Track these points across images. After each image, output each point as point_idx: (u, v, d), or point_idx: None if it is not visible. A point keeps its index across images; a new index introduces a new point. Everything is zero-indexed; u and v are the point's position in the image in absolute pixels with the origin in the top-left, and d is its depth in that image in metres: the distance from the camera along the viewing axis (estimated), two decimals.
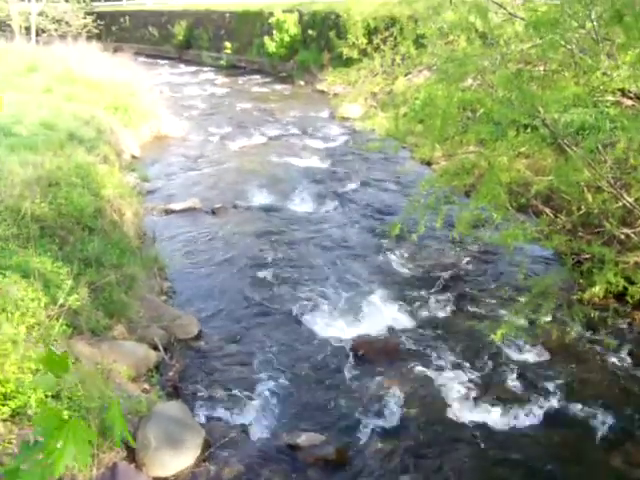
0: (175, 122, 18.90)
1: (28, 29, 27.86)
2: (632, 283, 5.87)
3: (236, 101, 23.99)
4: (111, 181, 9.78)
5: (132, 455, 4.97)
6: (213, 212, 11.73)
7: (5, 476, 1.64)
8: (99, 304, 6.82)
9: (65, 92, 15.24)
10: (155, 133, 17.90)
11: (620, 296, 7.51)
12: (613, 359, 6.99)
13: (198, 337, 7.48)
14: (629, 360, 7.01)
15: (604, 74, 5.64)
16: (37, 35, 28.46)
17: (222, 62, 34.68)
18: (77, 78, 17.27)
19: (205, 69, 34.37)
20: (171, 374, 6.60)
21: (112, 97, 16.85)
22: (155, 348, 6.84)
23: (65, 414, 1.74)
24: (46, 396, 4.47)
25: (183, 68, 35.26)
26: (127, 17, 46.27)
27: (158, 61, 38.26)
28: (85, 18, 31.60)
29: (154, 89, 20.90)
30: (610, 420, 6.01)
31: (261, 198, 12.50)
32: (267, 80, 29.15)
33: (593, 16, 5.66)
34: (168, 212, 11.70)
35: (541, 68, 6.66)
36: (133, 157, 15.33)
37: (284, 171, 14.49)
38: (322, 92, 24.81)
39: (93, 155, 10.80)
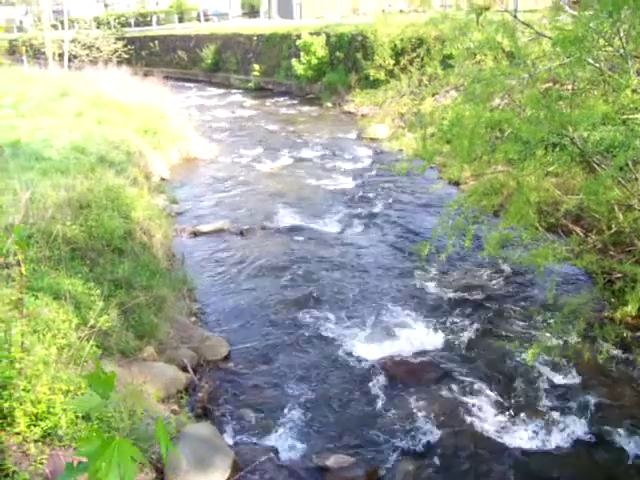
0: (204, 144, 19.05)
1: (61, 55, 28.45)
2: None
3: (264, 123, 24.17)
4: (140, 203, 9.89)
5: (161, 476, 4.97)
6: (242, 233, 11.78)
7: None
8: (129, 325, 6.88)
9: (96, 116, 15.48)
10: (184, 155, 18.07)
11: None
12: None
13: (227, 358, 7.49)
14: None
15: (633, 91, 5.60)
16: (69, 61, 29.03)
17: (250, 84, 35.03)
18: (107, 102, 17.53)
19: (233, 91, 34.72)
20: (200, 395, 6.61)
21: (141, 120, 17.08)
22: (184, 369, 6.87)
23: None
24: (76, 417, 4.50)
25: (212, 91, 35.61)
26: (156, 42, 47.11)
27: (187, 84, 38.75)
28: (115, 43, 32.11)
29: (183, 112, 21.11)
30: None
31: (289, 219, 12.54)
32: (295, 102, 29.33)
33: (621, 33, 5.64)
34: (197, 234, 11.80)
35: (569, 87, 6.63)
36: (162, 179, 15.51)
37: (312, 192, 14.54)
38: (349, 113, 24.92)
39: (123, 178, 10.92)
